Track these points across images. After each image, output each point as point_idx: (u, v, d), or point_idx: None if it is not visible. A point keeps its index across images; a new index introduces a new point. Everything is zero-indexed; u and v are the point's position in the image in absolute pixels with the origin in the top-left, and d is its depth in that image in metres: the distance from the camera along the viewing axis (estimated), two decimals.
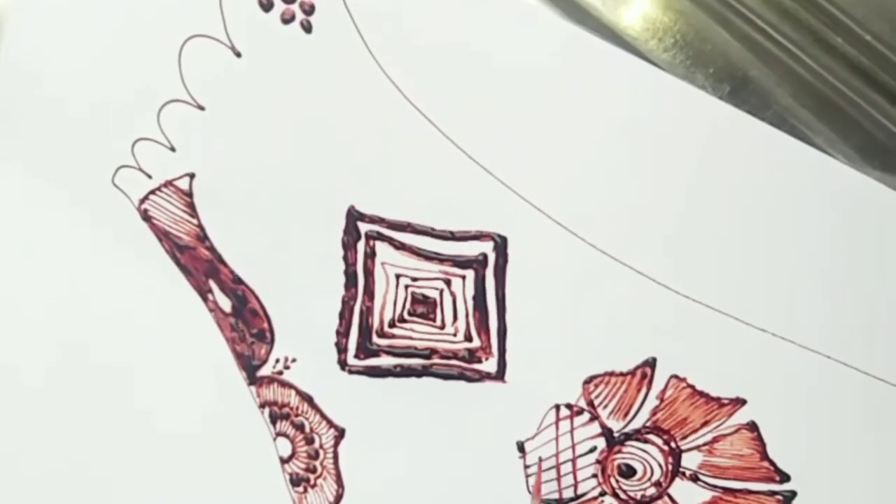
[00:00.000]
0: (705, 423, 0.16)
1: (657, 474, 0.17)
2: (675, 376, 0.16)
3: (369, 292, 0.18)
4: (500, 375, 0.17)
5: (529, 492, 0.17)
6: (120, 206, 0.18)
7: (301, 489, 0.19)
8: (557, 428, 0.17)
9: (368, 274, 0.18)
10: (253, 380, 0.19)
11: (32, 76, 0.18)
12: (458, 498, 0.18)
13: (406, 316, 0.18)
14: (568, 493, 0.17)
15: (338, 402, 0.18)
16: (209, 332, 0.19)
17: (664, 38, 0.15)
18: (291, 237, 0.18)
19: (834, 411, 0.15)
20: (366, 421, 0.18)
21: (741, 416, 0.16)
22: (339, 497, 0.19)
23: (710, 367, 0.16)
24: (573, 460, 0.17)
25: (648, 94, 0.15)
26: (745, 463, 0.16)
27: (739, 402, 0.16)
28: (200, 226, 0.18)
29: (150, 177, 0.18)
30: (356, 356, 0.18)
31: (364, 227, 0.17)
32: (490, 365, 0.17)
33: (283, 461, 0.19)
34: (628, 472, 0.17)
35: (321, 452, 0.19)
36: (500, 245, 0.17)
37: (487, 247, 0.17)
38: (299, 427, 0.19)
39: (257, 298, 0.18)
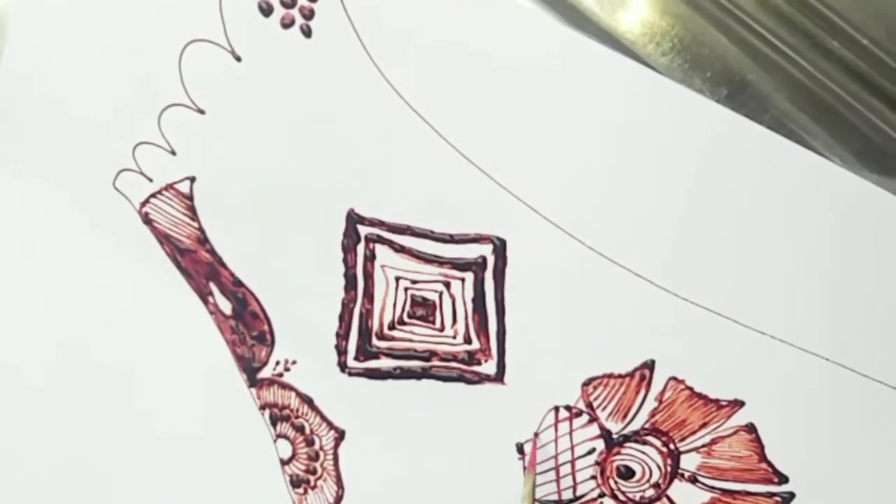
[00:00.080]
0: (704, 425, 0.16)
1: (656, 476, 0.17)
2: (674, 378, 0.16)
3: (369, 295, 0.18)
4: (499, 377, 0.17)
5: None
6: (121, 210, 0.19)
7: (301, 490, 0.19)
8: (556, 429, 0.17)
9: (368, 276, 0.18)
10: (253, 382, 0.19)
11: (34, 80, 0.18)
12: (458, 499, 0.18)
13: (406, 318, 0.18)
14: (567, 495, 0.17)
15: (338, 404, 0.18)
16: (210, 334, 0.19)
17: (662, 42, 0.15)
18: (291, 240, 0.18)
19: (832, 413, 0.16)
20: (366, 423, 0.18)
21: (739, 418, 0.16)
22: (339, 498, 0.19)
23: (709, 369, 0.16)
24: (572, 462, 0.17)
25: (646, 97, 0.15)
26: (743, 464, 0.16)
27: (738, 404, 0.16)
28: (201, 229, 0.18)
29: (150, 180, 0.18)
30: (356, 358, 0.18)
31: (364, 230, 0.17)
32: (489, 367, 0.17)
33: (284, 463, 0.19)
34: (627, 473, 0.17)
35: (321, 454, 0.19)
36: (499, 248, 0.17)
37: (486, 249, 0.17)
38: (299, 429, 0.19)
39: (258, 301, 0.18)
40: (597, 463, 0.17)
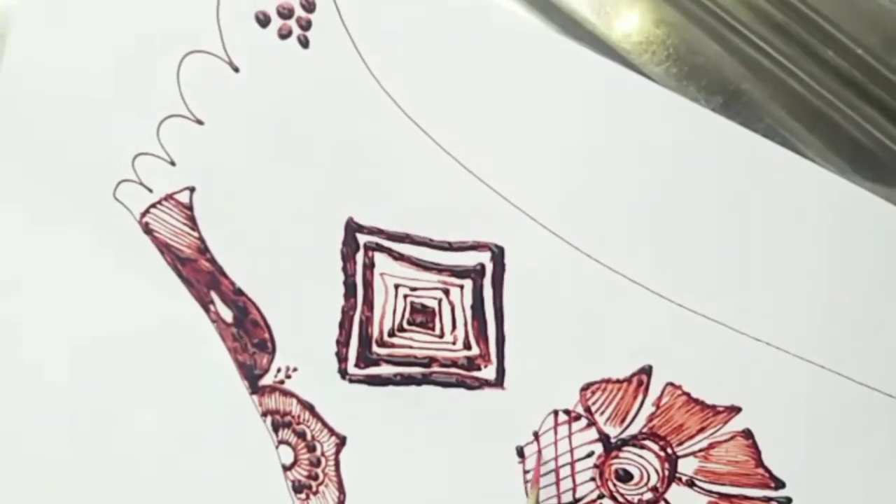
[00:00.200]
0: (701, 430, 0.17)
1: (654, 479, 0.17)
2: (671, 384, 0.16)
3: (369, 302, 0.18)
4: (499, 382, 0.17)
5: (528, 494, 0.18)
6: (122, 220, 0.19)
7: (303, 496, 0.19)
8: (556, 433, 0.17)
9: (368, 284, 0.18)
10: (255, 389, 0.19)
11: (33, 93, 0.18)
12: (458, 502, 0.18)
13: (405, 325, 0.18)
14: (567, 497, 0.17)
15: (339, 411, 0.18)
16: (211, 342, 0.19)
17: (657, 52, 0.15)
18: (291, 249, 0.18)
19: (828, 420, 0.16)
20: (367, 429, 0.18)
21: (736, 424, 0.16)
22: (340, 503, 0.19)
23: (706, 376, 0.16)
24: (571, 464, 0.17)
25: (642, 106, 0.15)
26: (740, 469, 0.16)
27: (734, 410, 0.16)
28: (201, 238, 0.18)
29: (150, 191, 0.18)
30: (356, 365, 0.18)
31: (363, 239, 0.18)
32: (489, 372, 0.17)
33: (286, 469, 0.19)
34: (625, 476, 0.17)
35: (323, 460, 0.19)
36: (498, 255, 0.17)
37: (485, 257, 0.17)
38: (301, 435, 0.19)
39: (258, 309, 0.18)
40: (595, 466, 0.17)
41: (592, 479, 0.17)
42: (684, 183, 0.15)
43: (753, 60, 0.15)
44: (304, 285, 0.18)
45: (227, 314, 0.19)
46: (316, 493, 0.19)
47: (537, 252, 0.16)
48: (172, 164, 0.18)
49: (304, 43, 0.17)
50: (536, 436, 0.17)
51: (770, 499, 0.16)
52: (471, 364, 0.18)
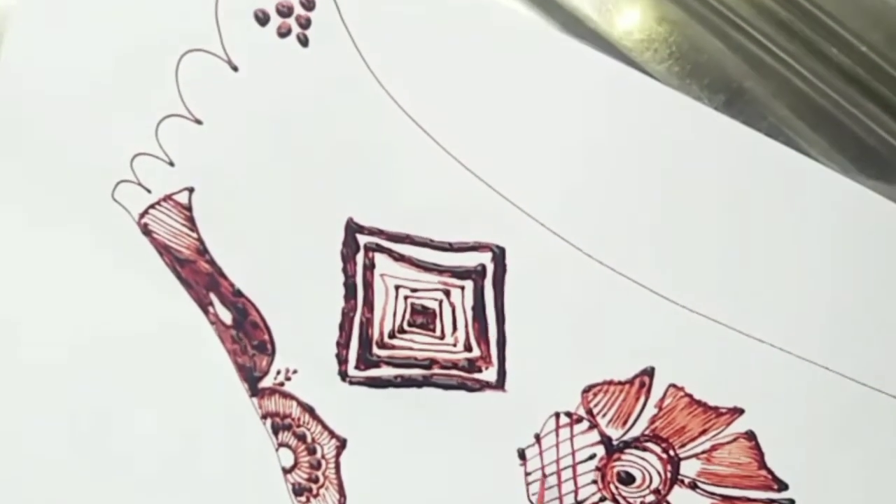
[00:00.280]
0: (703, 432, 0.16)
1: (656, 482, 0.17)
2: (674, 385, 0.16)
3: (369, 304, 0.18)
4: (500, 384, 0.17)
5: (530, 500, 0.18)
6: (120, 221, 0.19)
7: (304, 499, 0.19)
8: (557, 435, 0.17)
9: (368, 285, 0.18)
10: (255, 391, 0.19)
11: (30, 93, 0.18)
12: None
13: (406, 327, 0.18)
14: (569, 500, 0.17)
15: (339, 413, 0.18)
16: (211, 344, 0.19)
17: (659, 50, 0.15)
18: (290, 250, 0.18)
19: (831, 421, 0.16)
20: (367, 431, 0.18)
21: (739, 426, 0.16)
22: None
23: (708, 377, 0.16)
24: (573, 467, 0.17)
25: (644, 104, 0.15)
26: (743, 471, 0.16)
27: (737, 412, 0.16)
28: (200, 239, 0.18)
29: (149, 191, 0.18)
30: (357, 367, 0.18)
31: (363, 239, 0.17)
32: (490, 374, 0.17)
33: (286, 472, 0.19)
34: (627, 479, 0.17)
35: (323, 463, 0.19)
36: (499, 256, 0.17)
37: (486, 258, 0.17)
38: (301, 438, 0.19)
39: (258, 311, 0.18)
40: (597, 468, 0.17)
41: (594, 481, 0.17)
42: (687, 183, 0.15)
43: (756, 58, 0.15)
44: (304, 286, 0.18)
45: (227, 316, 0.19)
46: (316, 495, 0.19)
47: (539, 253, 0.16)
48: (171, 164, 0.18)
49: (304, 41, 0.16)
50: (538, 438, 0.17)
51: (773, 501, 0.16)
52: (472, 366, 0.17)
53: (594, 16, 0.16)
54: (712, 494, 0.17)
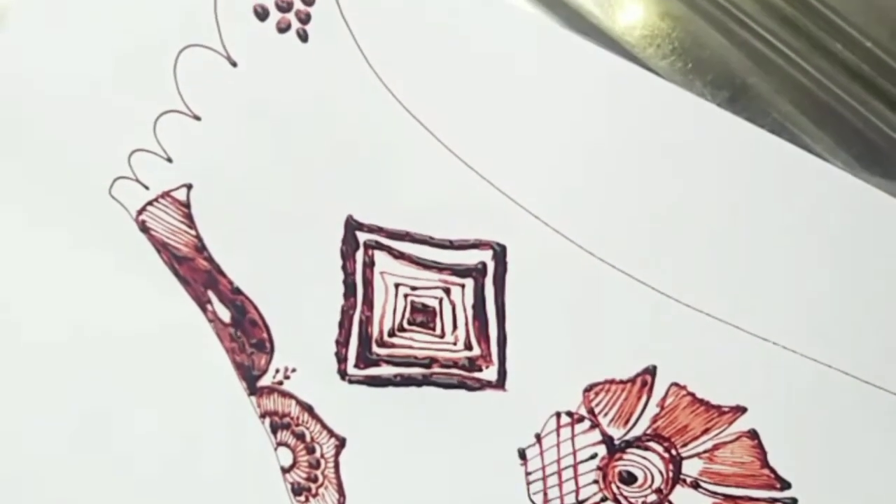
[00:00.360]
0: (706, 431, 0.16)
1: (658, 481, 0.17)
2: (676, 384, 0.16)
3: (368, 302, 0.18)
4: (500, 384, 0.17)
5: (531, 499, 0.17)
6: (118, 218, 0.18)
7: (303, 498, 0.19)
8: (558, 435, 0.17)
9: (367, 283, 0.17)
10: (253, 390, 0.19)
11: (26, 88, 0.18)
12: None
13: (406, 325, 0.18)
14: (569, 500, 0.17)
15: (338, 412, 0.18)
16: (209, 343, 0.19)
17: (662, 45, 0.15)
18: (289, 247, 0.18)
19: (834, 420, 0.15)
20: (366, 430, 0.18)
21: (742, 424, 0.16)
22: None
23: (711, 376, 0.16)
24: (574, 467, 0.17)
25: (647, 101, 0.15)
26: (745, 470, 0.16)
27: (740, 410, 0.16)
28: (198, 236, 0.18)
29: (147, 188, 0.18)
30: (356, 366, 0.18)
31: (363, 237, 0.17)
32: (490, 373, 0.17)
33: (285, 471, 0.19)
34: (629, 479, 0.17)
35: (322, 462, 0.19)
36: (499, 253, 0.17)
37: (486, 255, 0.17)
38: (300, 437, 0.19)
39: (256, 309, 0.18)
40: (599, 468, 0.17)
41: (595, 481, 0.17)
42: (690, 180, 0.15)
43: (760, 54, 0.15)
44: (303, 284, 0.18)
45: (225, 314, 0.18)
46: (315, 495, 0.19)
47: (540, 250, 0.16)
48: (169, 160, 0.18)
49: (304, 37, 0.16)
50: (538, 438, 0.17)
51: (775, 500, 0.16)
52: (472, 365, 0.17)
53: (596, 11, 0.16)
54: (714, 494, 0.17)
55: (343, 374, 0.18)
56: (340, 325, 0.18)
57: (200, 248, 0.18)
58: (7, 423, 0.20)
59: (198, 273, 0.18)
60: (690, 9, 0.15)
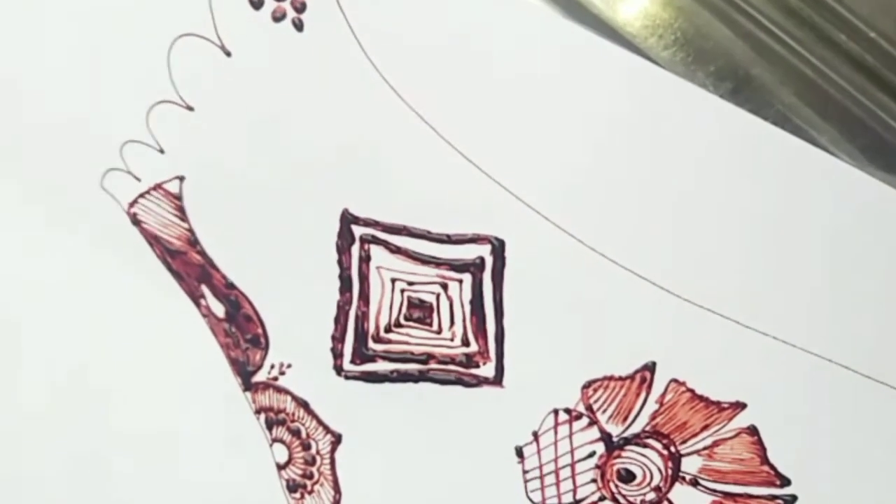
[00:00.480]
0: (705, 428, 0.16)
1: (657, 479, 0.17)
2: (675, 380, 0.16)
3: (364, 297, 0.17)
4: (497, 380, 0.17)
5: (529, 497, 0.17)
6: (109, 210, 0.18)
7: (298, 495, 0.19)
8: (556, 432, 0.17)
9: (363, 278, 0.17)
10: (248, 386, 0.19)
11: (17, 77, 0.18)
12: (456, 503, 0.18)
13: (402, 321, 0.17)
14: (567, 498, 0.17)
15: (334, 408, 0.18)
16: (203, 338, 0.18)
17: (664, 36, 0.15)
18: (284, 241, 0.17)
19: (835, 415, 0.15)
20: (362, 426, 0.18)
21: (741, 420, 0.16)
22: (336, 503, 0.18)
23: (710, 371, 0.16)
24: (572, 465, 0.17)
25: (648, 92, 0.15)
26: (745, 467, 0.16)
27: (739, 406, 0.16)
28: (191, 230, 0.18)
29: (139, 180, 0.18)
30: (352, 361, 0.18)
31: (359, 231, 0.17)
32: (488, 370, 0.17)
33: (280, 467, 0.19)
34: (628, 476, 0.17)
35: (318, 458, 0.18)
36: (498, 248, 0.16)
37: (485, 250, 0.17)
38: (295, 433, 0.18)
39: (251, 303, 0.18)
40: (597, 466, 0.17)
41: (593, 480, 0.17)
42: (691, 173, 0.15)
43: (764, 45, 0.15)
44: (298, 279, 0.17)
45: (219, 309, 0.18)
46: (311, 492, 0.19)
47: (539, 245, 0.16)
48: (161, 152, 0.18)
49: (299, 26, 0.16)
50: (536, 436, 0.17)
51: (775, 497, 0.16)
52: (469, 361, 0.17)
53: (597, 1, 0.15)
54: (714, 491, 0.16)
55: (339, 369, 0.18)
56: (336, 320, 0.18)
57: (193, 241, 0.18)
58: (3, 420, 0.20)
59: (191, 267, 0.18)
60: None
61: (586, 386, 0.16)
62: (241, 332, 0.18)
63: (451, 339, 0.17)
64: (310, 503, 0.19)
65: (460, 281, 0.17)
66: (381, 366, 0.18)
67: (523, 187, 0.16)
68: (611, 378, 0.16)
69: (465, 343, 0.17)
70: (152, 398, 0.19)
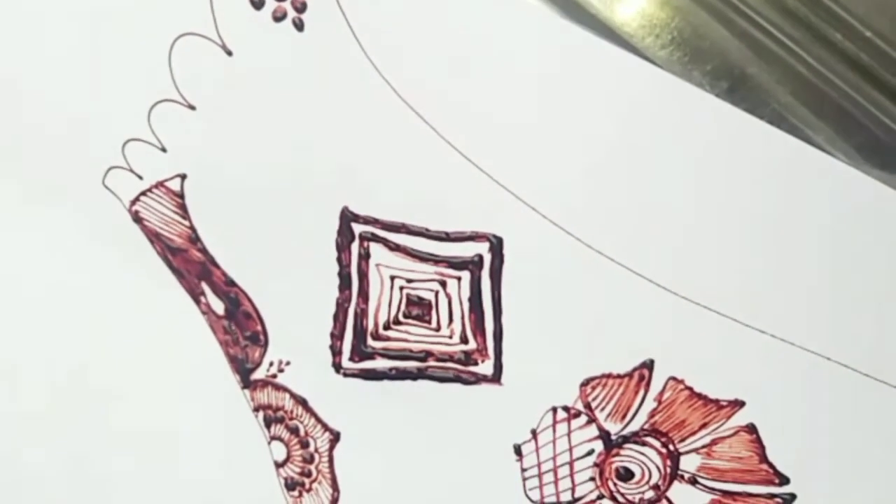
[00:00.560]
0: (704, 426, 0.16)
1: (655, 477, 0.17)
2: (673, 378, 0.16)
3: (364, 294, 0.17)
4: (496, 378, 0.17)
5: (527, 495, 0.17)
6: (111, 208, 0.18)
7: (296, 493, 0.19)
8: (555, 430, 0.17)
9: (363, 276, 0.17)
10: (247, 383, 0.19)
11: (19, 76, 0.18)
12: (455, 501, 0.18)
13: (401, 318, 0.17)
14: (565, 497, 0.17)
15: (332, 406, 0.18)
16: (202, 335, 0.18)
17: (661, 35, 0.15)
18: (284, 239, 0.17)
19: (833, 413, 0.15)
20: (361, 424, 0.18)
21: (740, 419, 0.16)
22: (334, 501, 0.18)
23: (709, 369, 0.16)
24: (571, 463, 0.17)
25: (645, 91, 0.15)
26: (744, 465, 0.16)
27: (738, 405, 0.16)
28: (192, 227, 0.18)
29: (140, 178, 0.18)
30: (351, 359, 0.18)
31: (358, 229, 0.17)
32: (486, 367, 0.17)
33: (278, 465, 0.19)
34: (626, 475, 0.17)
35: (316, 456, 0.18)
36: (496, 246, 0.16)
37: (483, 248, 0.17)
38: (294, 431, 0.18)
39: (250, 301, 0.18)
40: (595, 464, 0.17)
41: (592, 478, 0.17)
42: (688, 172, 0.15)
43: (760, 44, 0.15)
44: (298, 276, 0.18)
45: (219, 306, 0.18)
46: (309, 490, 0.19)
47: (537, 243, 0.16)
48: (163, 150, 0.18)
49: (299, 26, 0.16)
50: (534, 434, 0.17)
51: (774, 495, 0.16)
52: (468, 359, 0.17)
53: (595, 1, 0.16)
54: (713, 490, 0.16)
55: (338, 367, 0.18)
56: (335, 317, 0.18)
57: (194, 239, 0.18)
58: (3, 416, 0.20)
59: (191, 264, 0.18)
60: None
61: (585, 384, 0.16)
62: (241, 329, 0.18)
63: (450, 337, 0.17)
64: (308, 501, 0.19)
65: (459, 278, 0.17)
66: (380, 363, 0.18)
67: (521, 186, 0.16)
68: (609, 376, 0.16)
69: (464, 340, 0.17)
70: (152, 395, 0.19)
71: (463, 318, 0.17)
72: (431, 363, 0.17)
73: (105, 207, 0.18)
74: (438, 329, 0.17)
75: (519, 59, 0.15)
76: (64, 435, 0.19)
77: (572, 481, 0.17)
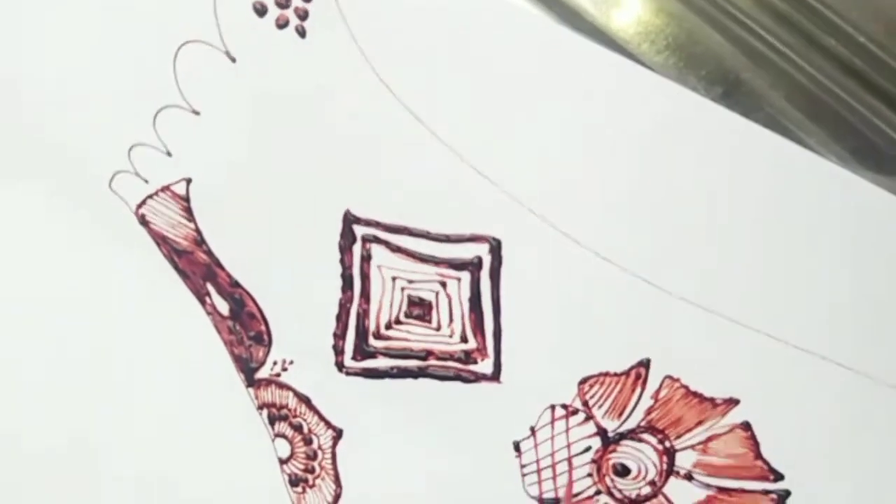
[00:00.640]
0: (699, 423, 0.16)
1: (652, 473, 0.17)
2: (669, 377, 0.16)
3: (366, 295, 0.18)
4: (495, 376, 0.17)
5: (526, 491, 0.18)
6: (118, 211, 0.19)
7: (300, 489, 0.19)
8: (553, 427, 0.17)
9: (365, 277, 0.18)
10: (251, 382, 0.19)
11: (26, 82, 0.18)
12: (455, 497, 0.18)
13: (402, 318, 0.18)
14: (564, 493, 0.17)
15: (335, 404, 0.18)
16: (207, 335, 0.19)
17: (656, 41, 0.15)
18: (288, 241, 0.18)
19: (828, 411, 0.16)
20: (363, 422, 0.18)
21: (735, 416, 0.16)
22: (337, 497, 0.19)
23: (704, 368, 0.16)
24: (569, 460, 0.17)
25: (640, 96, 0.15)
26: (739, 462, 0.16)
27: (733, 402, 0.16)
28: (198, 230, 0.18)
29: (146, 182, 0.18)
30: (353, 358, 0.18)
31: (360, 231, 0.17)
32: (486, 366, 0.17)
33: (282, 462, 0.19)
34: (623, 471, 0.17)
35: (319, 453, 0.19)
36: (495, 247, 0.17)
37: (482, 249, 0.17)
38: (297, 428, 0.19)
39: (254, 301, 0.18)
40: (593, 461, 0.17)
41: (589, 474, 0.17)
42: (684, 174, 0.15)
43: (754, 50, 0.15)
44: (301, 277, 0.18)
45: (224, 306, 0.19)
46: (312, 486, 0.19)
47: (535, 244, 0.16)
48: (169, 155, 0.18)
49: (302, 33, 0.16)
50: (533, 431, 0.17)
51: (769, 491, 0.16)
52: (467, 358, 0.17)
53: (591, 8, 0.16)
54: (708, 486, 0.17)
55: (340, 366, 0.18)
56: (338, 317, 0.18)
57: (199, 241, 0.18)
58: (8, 416, 0.20)
59: (197, 266, 0.19)
60: (684, 5, 0.15)
61: (582, 382, 0.17)
62: (245, 329, 0.19)
63: (450, 336, 0.18)
64: (311, 497, 0.19)
65: (459, 279, 0.17)
66: (382, 362, 0.18)
67: (520, 188, 0.16)
68: (606, 374, 0.17)
69: (464, 340, 0.17)
70: (157, 394, 0.19)
71: (463, 317, 0.17)
72: (432, 362, 0.18)
73: (112, 211, 0.19)
74: (439, 329, 0.18)
75: (519, 66, 0.16)
76: (65, 432, 0.20)
77: (570, 478, 0.17)
